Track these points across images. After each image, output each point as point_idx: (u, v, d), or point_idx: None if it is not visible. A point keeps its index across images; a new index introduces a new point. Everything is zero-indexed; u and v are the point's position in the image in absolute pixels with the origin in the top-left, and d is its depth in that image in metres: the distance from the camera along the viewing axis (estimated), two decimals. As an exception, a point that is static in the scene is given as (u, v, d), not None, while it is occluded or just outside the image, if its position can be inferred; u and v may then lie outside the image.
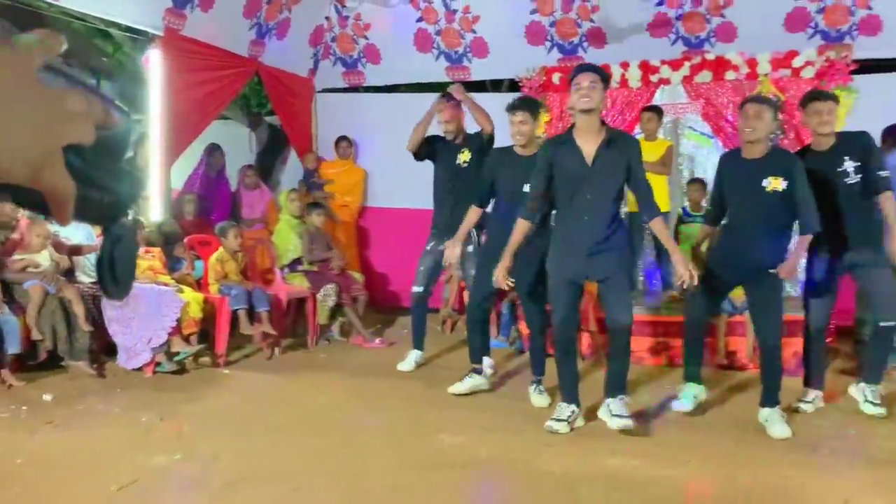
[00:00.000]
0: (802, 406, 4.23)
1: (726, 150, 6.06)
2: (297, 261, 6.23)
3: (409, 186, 5.45)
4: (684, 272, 3.63)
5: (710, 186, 4.63)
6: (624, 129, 6.04)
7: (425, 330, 5.34)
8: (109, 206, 0.62)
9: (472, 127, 5.16)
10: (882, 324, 4.13)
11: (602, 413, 3.93)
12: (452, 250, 4.58)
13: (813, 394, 4.29)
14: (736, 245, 4.02)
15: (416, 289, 5.24)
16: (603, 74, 3.75)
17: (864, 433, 3.89)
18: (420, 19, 7.11)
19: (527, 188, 4.10)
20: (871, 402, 4.12)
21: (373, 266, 7.52)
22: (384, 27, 7.25)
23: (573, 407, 3.94)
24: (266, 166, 8.04)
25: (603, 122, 3.83)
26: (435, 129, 5.21)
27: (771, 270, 3.87)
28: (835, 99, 4.13)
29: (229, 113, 7.70)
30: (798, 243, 4.02)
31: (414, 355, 5.23)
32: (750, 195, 3.92)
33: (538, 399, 4.40)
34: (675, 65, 6.18)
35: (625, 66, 6.20)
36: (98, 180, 0.59)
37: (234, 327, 5.51)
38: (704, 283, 4.03)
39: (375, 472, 3.35)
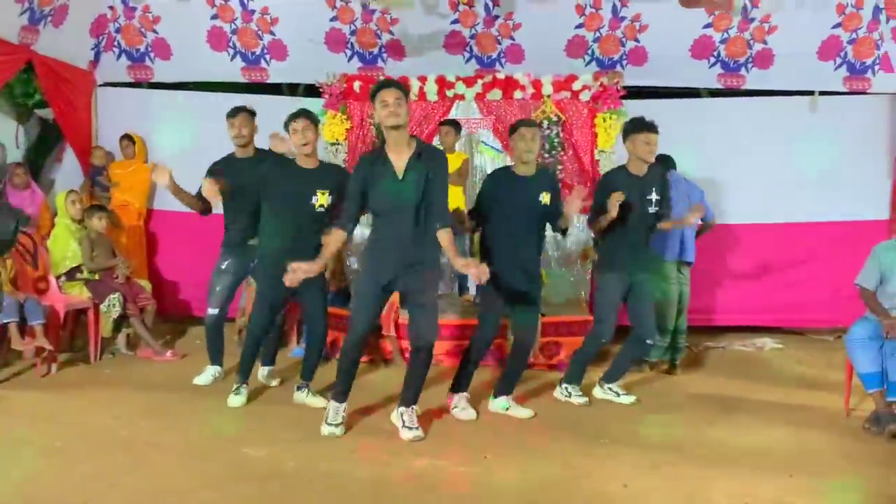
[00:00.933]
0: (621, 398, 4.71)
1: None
2: (77, 269, 5.74)
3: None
4: (475, 270, 3.71)
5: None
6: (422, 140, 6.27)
7: (223, 346, 5.09)
8: None
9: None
10: (648, 341, 4.64)
11: (394, 418, 4.06)
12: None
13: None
14: (515, 256, 4.29)
15: (212, 311, 4.91)
16: (403, 89, 3.84)
17: (637, 423, 4.33)
18: (215, 16, 6.84)
19: (314, 200, 4.30)
20: (616, 393, 4.72)
21: (162, 273, 7.11)
22: (175, 22, 6.88)
23: (344, 405, 4.02)
24: (37, 164, 7.31)
25: (412, 136, 3.93)
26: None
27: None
28: (658, 131, 4.52)
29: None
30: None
31: (212, 370, 5.02)
32: (525, 210, 4.27)
33: (315, 401, 4.46)
34: (468, 82, 6.49)
35: (423, 79, 6.41)
36: None
37: (1, 342, 4.98)
38: (495, 303, 4.33)
39: (173, 492, 3.20)
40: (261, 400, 4.64)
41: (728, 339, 6.74)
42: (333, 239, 3.91)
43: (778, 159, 6.71)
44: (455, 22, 6.68)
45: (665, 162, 5.54)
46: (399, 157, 3.83)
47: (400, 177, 3.80)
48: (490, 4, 6.54)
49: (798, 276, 6.80)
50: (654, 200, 4.57)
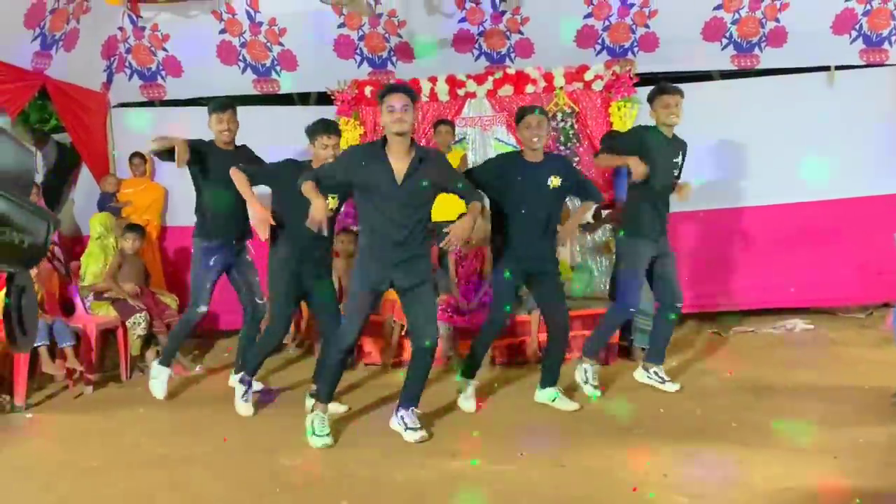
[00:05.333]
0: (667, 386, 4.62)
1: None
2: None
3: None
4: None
5: None
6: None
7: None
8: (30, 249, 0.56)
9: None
10: (678, 304, 4.58)
11: (394, 424, 3.99)
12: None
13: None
14: (524, 243, 4.26)
15: (203, 308, 4.80)
16: (413, 95, 3.79)
17: (671, 410, 4.27)
18: (223, 31, 6.86)
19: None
20: (661, 379, 4.64)
21: (185, 289, 7.13)
22: (184, 38, 6.91)
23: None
24: (57, 187, 7.38)
25: (413, 141, 3.86)
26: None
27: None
28: (681, 93, 4.49)
29: (11, 131, 6.97)
30: (580, 209, 4.54)
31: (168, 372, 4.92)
32: (535, 194, 4.21)
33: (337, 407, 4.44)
34: (479, 79, 6.50)
35: (433, 80, 6.42)
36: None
37: (34, 366, 5.02)
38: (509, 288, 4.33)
39: (212, 505, 3.20)
40: (289, 408, 4.62)
41: (756, 322, 6.64)
42: (306, 189, 3.80)
43: (796, 138, 6.59)
44: (462, 20, 6.65)
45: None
46: (400, 162, 3.77)
47: (399, 182, 3.76)
48: (496, 0, 6.51)
49: (823, 255, 6.68)
50: (678, 164, 4.55)
